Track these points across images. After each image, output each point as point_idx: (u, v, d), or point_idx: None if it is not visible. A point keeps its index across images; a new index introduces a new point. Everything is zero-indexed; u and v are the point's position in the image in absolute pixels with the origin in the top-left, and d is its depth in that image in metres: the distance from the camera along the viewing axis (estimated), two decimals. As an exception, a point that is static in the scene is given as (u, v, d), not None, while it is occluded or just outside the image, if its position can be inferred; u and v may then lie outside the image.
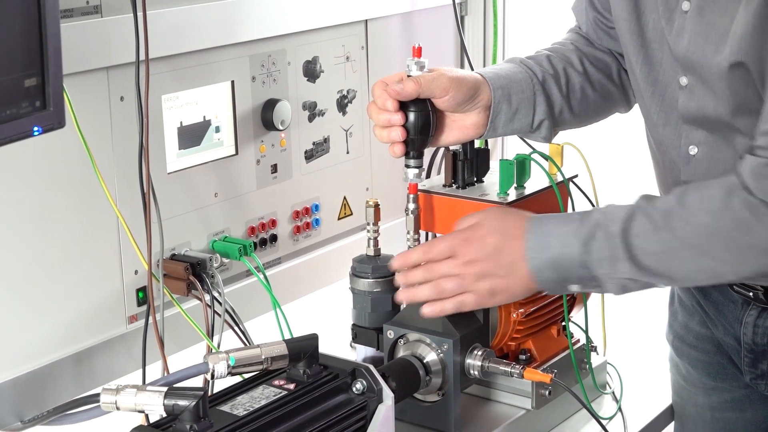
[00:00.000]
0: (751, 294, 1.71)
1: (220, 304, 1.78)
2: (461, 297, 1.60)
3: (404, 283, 1.65)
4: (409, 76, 1.63)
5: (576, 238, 1.53)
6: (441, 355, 1.65)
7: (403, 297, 1.66)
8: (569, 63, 1.80)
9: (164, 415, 1.35)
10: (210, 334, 1.76)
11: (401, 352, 1.69)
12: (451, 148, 1.80)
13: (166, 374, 1.70)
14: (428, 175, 1.86)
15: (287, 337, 1.80)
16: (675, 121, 1.65)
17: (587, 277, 1.54)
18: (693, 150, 1.63)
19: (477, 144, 1.81)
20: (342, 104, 2.10)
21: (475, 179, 1.81)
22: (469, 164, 1.79)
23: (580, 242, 1.53)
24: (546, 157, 1.79)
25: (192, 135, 1.83)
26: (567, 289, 1.58)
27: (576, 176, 1.84)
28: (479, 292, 1.59)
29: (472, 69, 2.14)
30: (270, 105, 1.93)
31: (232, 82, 1.88)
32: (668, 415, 1.96)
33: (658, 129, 1.69)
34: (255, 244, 1.94)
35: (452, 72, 1.65)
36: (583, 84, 1.79)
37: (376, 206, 1.77)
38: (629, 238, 1.51)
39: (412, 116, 1.63)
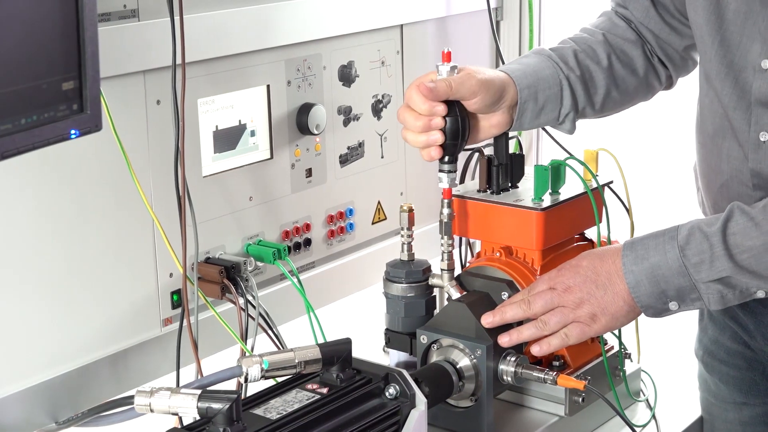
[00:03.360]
0: None
1: (254, 307, 1.78)
2: (565, 329, 1.61)
3: (502, 322, 1.64)
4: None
5: (673, 244, 1.54)
6: (474, 360, 1.65)
7: (507, 340, 1.63)
8: (595, 60, 1.79)
9: (198, 417, 1.35)
10: (244, 338, 1.76)
11: (434, 358, 1.68)
12: (486, 153, 1.80)
13: (199, 377, 1.70)
14: (462, 180, 1.85)
15: (320, 341, 1.80)
16: (746, 106, 1.64)
17: (686, 287, 1.54)
18: (764, 136, 1.62)
19: (512, 149, 1.81)
20: (377, 109, 2.10)
21: (509, 185, 1.80)
22: (504, 170, 1.79)
23: (677, 247, 1.53)
24: (581, 163, 1.78)
25: (227, 139, 1.83)
26: (666, 306, 1.57)
27: (611, 182, 1.83)
28: (581, 319, 1.59)
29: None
30: (305, 109, 1.93)
31: (268, 86, 1.88)
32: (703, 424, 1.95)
33: (728, 112, 1.67)
34: (289, 248, 1.94)
35: (480, 73, 1.65)
36: (607, 83, 1.79)
37: (411, 211, 1.77)
38: (727, 237, 1.51)
39: (446, 121, 1.64)
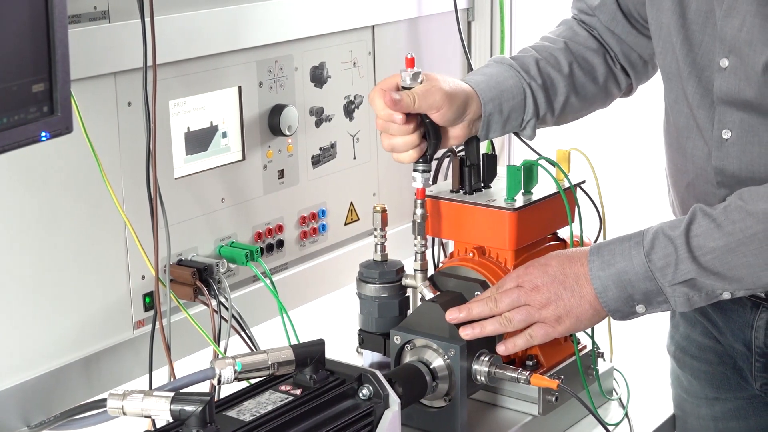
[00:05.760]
0: (763, 295, 1.70)
1: (227, 309, 1.78)
2: (530, 329, 1.61)
3: (468, 318, 1.64)
4: (403, 87, 1.64)
5: (638, 249, 1.55)
6: (448, 360, 1.65)
7: (468, 333, 1.63)
8: (557, 68, 1.81)
9: (171, 420, 1.35)
10: (216, 340, 1.76)
11: (408, 358, 1.68)
12: (459, 153, 1.80)
13: (172, 379, 1.70)
14: (435, 181, 1.86)
15: (294, 342, 1.80)
16: (709, 104, 1.65)
17: (653, 291, 1.55)
18: (726, 134, 1.63)
19: (484, 150, 1.82)
20: (349, 110, 2.10)
21: (482, 185, 1.80)
22: (477, 170, 1.79)
23: (643, 252, 1.54)
24: (553, 163, 1.79)
25: (199, 140, 1.83)
26: (633, 309, 1.58)
27: (583, 182, 1.83)
28: (546, 320, 1.60)
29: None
30: (277, 110, 1.93)
31: (240, 87, 1.88)
32: (675, 421, 1.95)
33: (693, 110, 1.68)
34: (262, 249, 1.94)
35: (446, 85, 1.66)
36: (567, 90, 1.81)
37: (383, 211, 1.77)
38: (690, 239, 1.52)
39: (426, 124, 1.65)
